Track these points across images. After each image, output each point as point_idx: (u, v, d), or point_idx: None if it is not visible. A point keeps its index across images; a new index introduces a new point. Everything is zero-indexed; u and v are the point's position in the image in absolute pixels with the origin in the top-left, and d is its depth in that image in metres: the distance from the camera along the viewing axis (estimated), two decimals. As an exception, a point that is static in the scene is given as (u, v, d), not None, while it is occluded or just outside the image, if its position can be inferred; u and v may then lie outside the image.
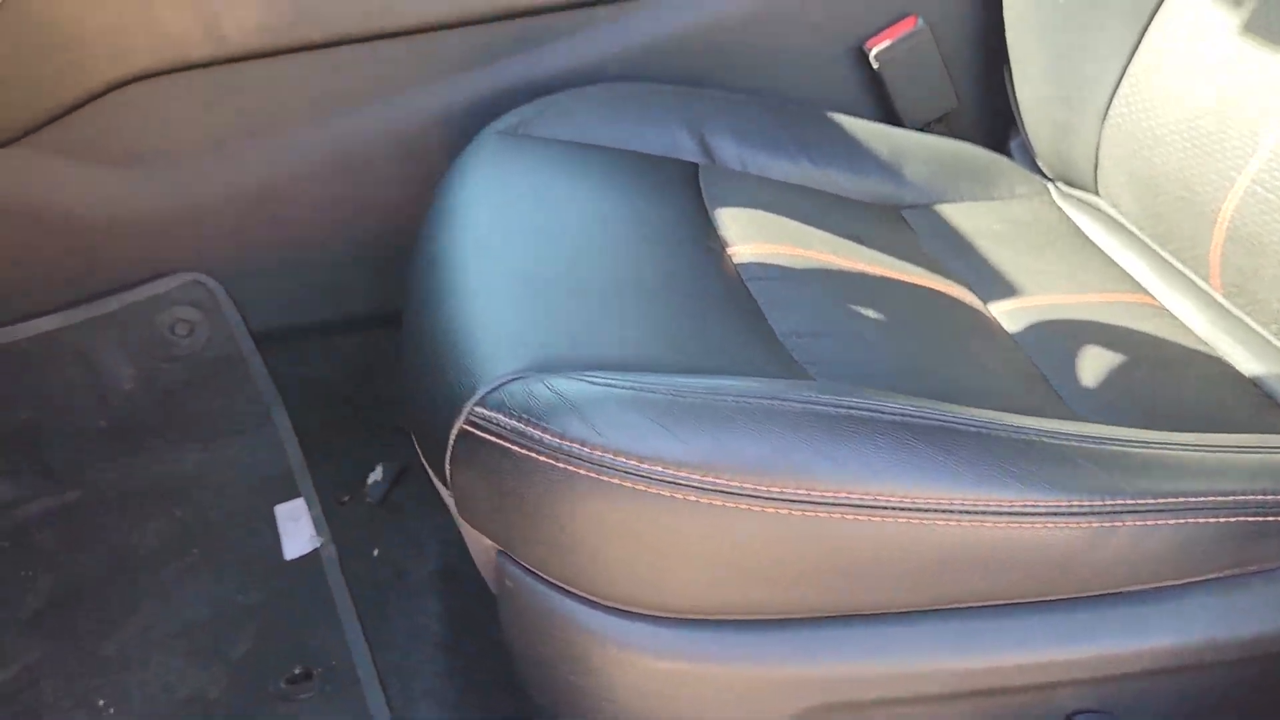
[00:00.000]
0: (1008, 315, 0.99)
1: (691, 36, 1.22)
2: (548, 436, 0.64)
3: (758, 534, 0.64)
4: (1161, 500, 0.69)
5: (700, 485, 0.63)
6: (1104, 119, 1.12)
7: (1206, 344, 0.98)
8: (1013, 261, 1.07)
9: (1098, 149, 1.14)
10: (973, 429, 0.67)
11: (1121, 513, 0.68)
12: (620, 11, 1.20)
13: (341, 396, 1.29)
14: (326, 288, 1.25)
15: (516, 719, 0.97)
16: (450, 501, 0.74)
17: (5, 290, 1.18)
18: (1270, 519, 0.73)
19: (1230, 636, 0.74)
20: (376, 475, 1.22)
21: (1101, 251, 1.12)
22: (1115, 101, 1.11)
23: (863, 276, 0.95)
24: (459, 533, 1.17)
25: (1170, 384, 0.91)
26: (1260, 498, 0.72)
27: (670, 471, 0.63)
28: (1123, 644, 0.71)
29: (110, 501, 1.16)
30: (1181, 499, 0.69)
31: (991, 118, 1.31)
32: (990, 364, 0.89)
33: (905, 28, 1.24)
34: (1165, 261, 1.08)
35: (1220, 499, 0.70)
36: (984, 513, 0.65)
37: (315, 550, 1.12)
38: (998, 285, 1.03)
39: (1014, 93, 1.23)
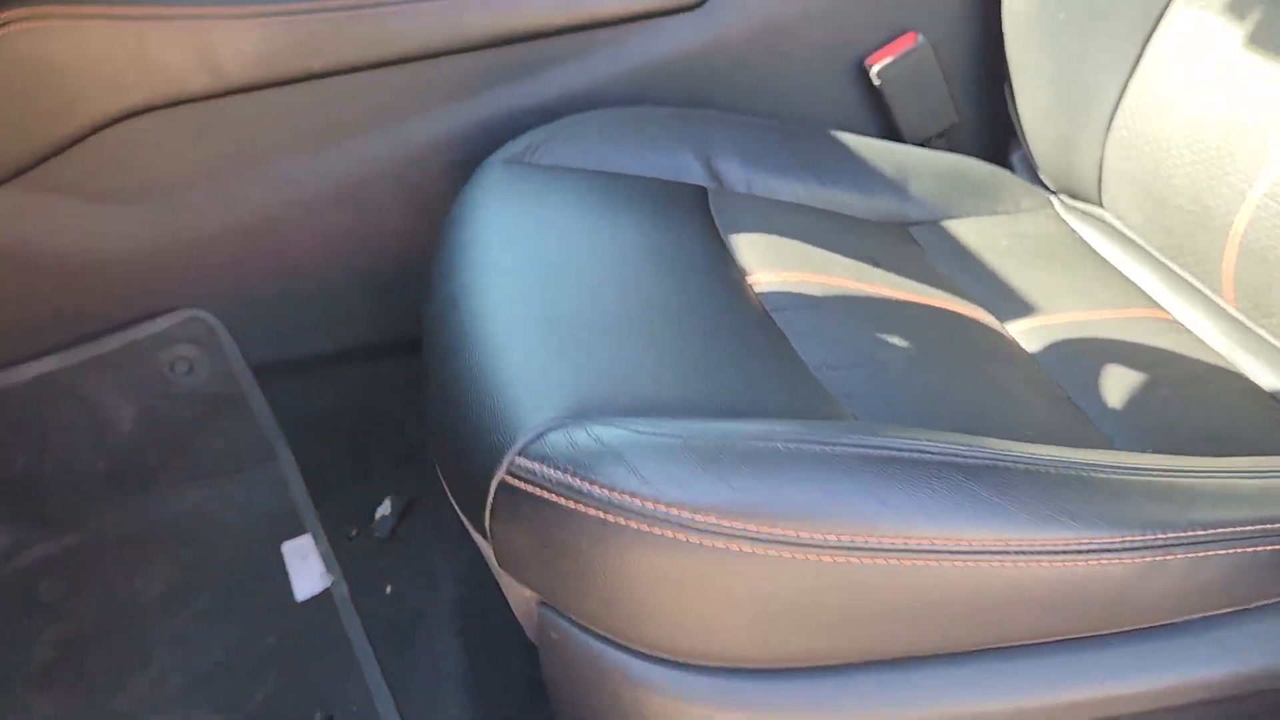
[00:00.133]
0: (1026, 335, 0.99)
1: (692, 57, 1.21)
2: (596, 489, 0.63)
3: (815, 583, 0.63)
4: (1212, 531, 0.68)
5: (755, 536, 0.61)
6: (1107, 131, 1.12)
7: (1224, 359, 0.98)
8: (1025, 278, 1.07)
9: (1101, 161, 1.14)
10: (1022, 466, 0.67)
11: (1173, 545, 0.67)
12: (619, 34, 1.18)
13: (345, 429, 1.27)
14: (328, 319, 1.23)
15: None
16: (488, 552, 0.72)
17: (-1, 333, 1.15)
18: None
19: None
20: (384, 509, 1.20)
21: (1111, 265, 1.12)
22: (1118, 114, 1.11)
23: (884, 301, 0.95)
24: (472, 566, 1.16)
25: (1195, 403, 0.91)
26: None
27: (725, 523, 0.61)
28: (1176, 676, 0.70)
29: (112, 546, 1.14)
30: (1231, 528, 0.69)
31: (991, 131, 1.31)
32: (1018, 389, 0.88)
33: (905, 44, 1.23)
34: (1176, 275, 1.08)
35: (1269, 526, 0.70)
36: (1039, 552, 0.64)
37: (327, 589, 1.10)
38: (1013, 304, 1.03)
39: (1015, 106, 1.23)
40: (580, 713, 0.72)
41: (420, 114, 1.16)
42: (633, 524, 0.62)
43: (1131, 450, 0.85)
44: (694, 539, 0.62)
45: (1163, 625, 0.71)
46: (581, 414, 0.68)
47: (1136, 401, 0.90)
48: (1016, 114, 1.23)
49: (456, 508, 0.77)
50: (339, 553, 1.14)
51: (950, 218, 1.16)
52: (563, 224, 0.95)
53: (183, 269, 1.17)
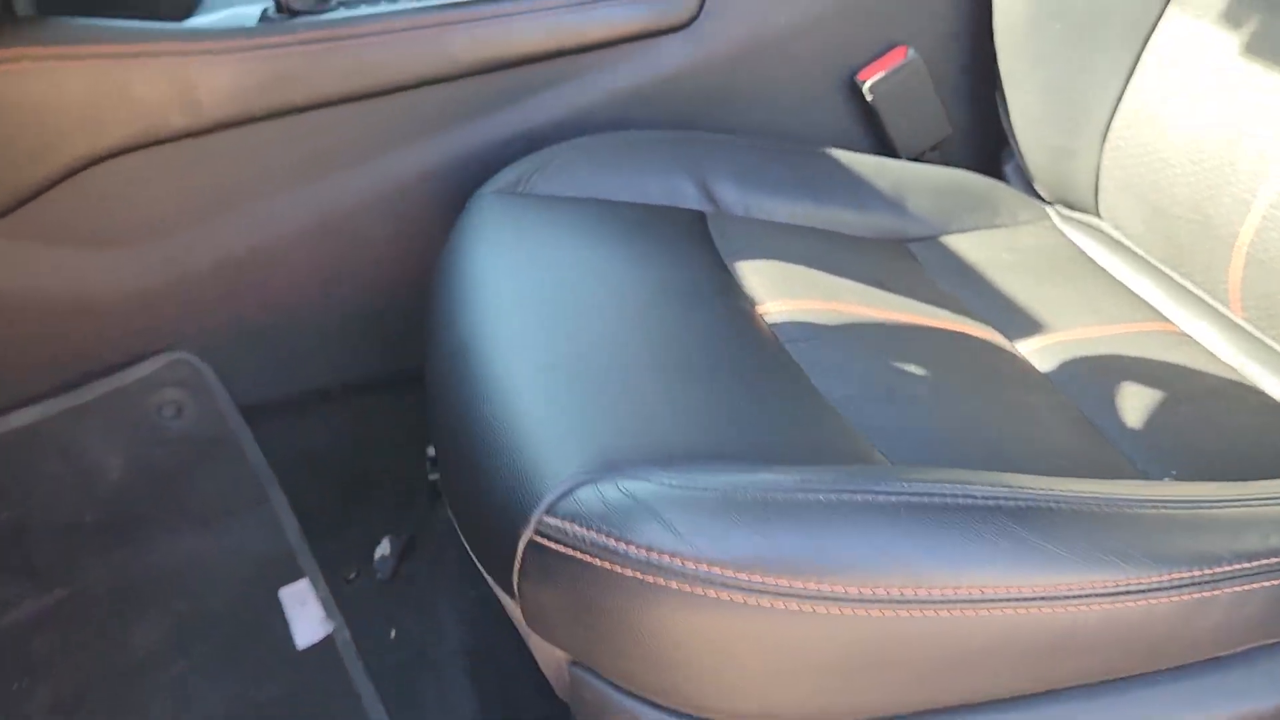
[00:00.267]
0: (1037, 354, 0.98)
1: (681, 78, 1.19)
2: (633, 549, 0.61)
3: (863, 638, 0.61)
4: (1258, 563, 0.67)
5: (802, 594, 0.59)
6: (1104, 140, 1.11)
7: (1237, 372, 0.97)
8: (1030, 294, 1.06)
9: (1098, 170, 1.13)
10: (1066, 506, 0.65)
11: (1220, 580, 0.66)
12: (606, 57, 1.16)
13: (340, 467, 1.24)
14: (319, 355, 1.20)
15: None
16: (515, 612, 0.70)
17: (-21, 383, 1.11)
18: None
19: None
20: (384, 549, 1.17)
21: (1113, 278, 1.11)
22: (1115, 122, 1.10)
23: (895, 327, 0.93)
24: (479, 606, 1.14)
25: (1213, 421, 0.90)
26: None
27: (770, 580, 0.59)
28: (1226, 711, 0.69)
29: (104, 598, 1.10)
30: (1276, 559, 0.68)
31: (983, 142, 1.30)
32: (1037, 413, 0.87)
33: (896, 59, 1.22)
34: (1180, 286, 1.07)
35: (1310, 553, 0.69)
36: (1087, 596, 0.63)
37: (329, 636, 1.07)
38: (1021, 321, 1.02)
39: (1007, 116, 1.22)
40: (618, 774, 0.70)
41: (406, 145, 1.14)
42: (673, 584, 0.60)
43: (1154, 471, 0.84)
44: (738, 598, 0.60)
45: (1210, 660, 0.69)
46: (609, 467, 0.65)
47: (1155, 421, 0.89)
48: (1010, 125, 1.21)
49: (481, 568, 0.74)
50: (339, 597, 1.11)
51: (949, 233, 1.15)
52: (564, 259, 0.92)
53: (167, 311, 1.13)
